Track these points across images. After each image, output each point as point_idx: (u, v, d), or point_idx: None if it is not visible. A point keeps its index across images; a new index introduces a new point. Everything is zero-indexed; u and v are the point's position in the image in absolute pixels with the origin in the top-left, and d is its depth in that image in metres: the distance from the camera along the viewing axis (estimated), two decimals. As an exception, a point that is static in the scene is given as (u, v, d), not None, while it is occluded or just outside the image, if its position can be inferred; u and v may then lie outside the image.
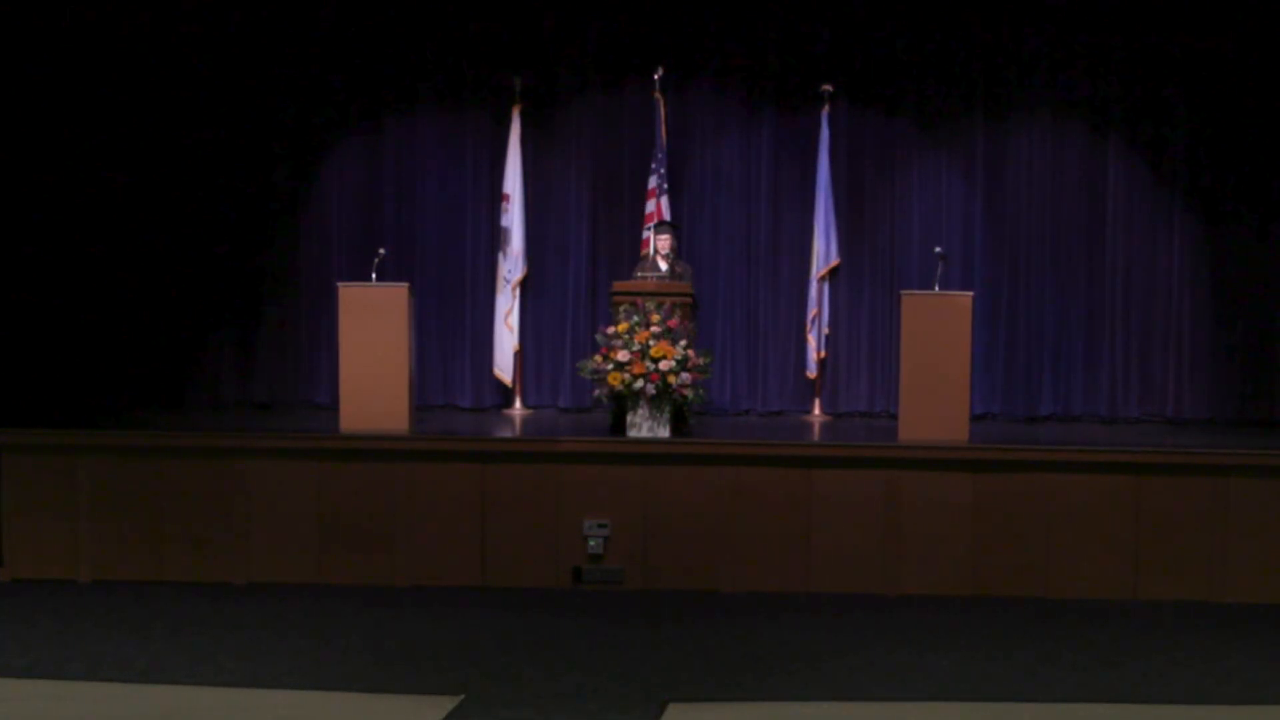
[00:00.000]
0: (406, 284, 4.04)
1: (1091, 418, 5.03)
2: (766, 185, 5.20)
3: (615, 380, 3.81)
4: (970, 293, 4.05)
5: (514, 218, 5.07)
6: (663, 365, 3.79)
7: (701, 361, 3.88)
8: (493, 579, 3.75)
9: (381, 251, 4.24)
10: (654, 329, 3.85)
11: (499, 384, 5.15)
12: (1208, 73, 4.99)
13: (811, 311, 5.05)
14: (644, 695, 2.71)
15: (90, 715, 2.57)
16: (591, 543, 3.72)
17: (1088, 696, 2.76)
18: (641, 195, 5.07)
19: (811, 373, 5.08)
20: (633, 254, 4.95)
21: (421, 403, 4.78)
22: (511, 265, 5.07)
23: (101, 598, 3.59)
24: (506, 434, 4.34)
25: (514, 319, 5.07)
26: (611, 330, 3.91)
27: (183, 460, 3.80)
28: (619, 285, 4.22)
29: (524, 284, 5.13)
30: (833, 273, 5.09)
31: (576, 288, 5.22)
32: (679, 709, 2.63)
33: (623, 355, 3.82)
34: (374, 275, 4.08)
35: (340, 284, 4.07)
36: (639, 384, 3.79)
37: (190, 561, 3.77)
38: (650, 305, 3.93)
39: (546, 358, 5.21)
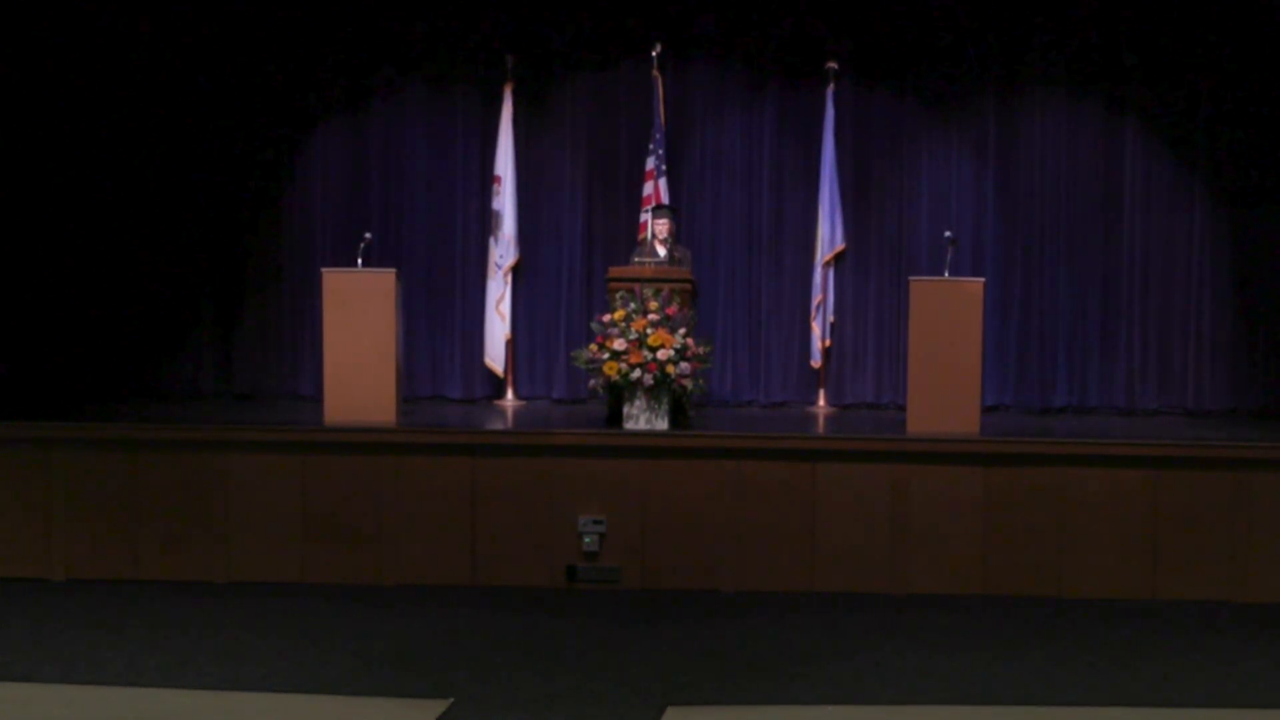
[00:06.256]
0: (394, 270, 3.93)
1: (1108, 409, 4.91)
2: (769, 167, 5.06)
3: (611, 370, 3.70)
4: (981, 279, 3.93)
5: (506, 201, 4.93)
6: (661, 354, 3.68)
7: (701, 350, 3.77)
8: (483, 577, 3.66)
9: (367, 236, 4.12)
10: (652, 316, 3.74)
11: (490, 374, 5.03)
12: (1230, 50, 4.83)
13: (816, 299, 4.92)
14: (642, 699, 2.65)
15: (64, 719, 2.46)
16: (586, 540, 3.63)
17: (1103, 700, 2.69)
18: (639, 177, 4.92)
19: (816, 362, 4.95)
20: (630, 238, 4.81)
21: (409, 394, 4.70)
22: (503, 250, 4.93)
23: (76, 597, 3.50)
24: (498, 426, 4.24)
25: (506, 306, 4.94)
26: (607, 318, 3.80)
27: (161, 454, 3.69)
28: (615, 271, 4.10)
29: (516, 270, 4.99)
30: (838, 258, 4.96)
31: (571, 274, 5.08)
32: (678, 713, 2.57)
33: (619, 344, 3.71)
34: (360, 261, 3.96)
35: (324, 270, 3.96)
36: (636, 374, 3.69)
37: (168, 559, 3.67)
38: (648, 292, 3.82)
39: (540, 347, 5.08)
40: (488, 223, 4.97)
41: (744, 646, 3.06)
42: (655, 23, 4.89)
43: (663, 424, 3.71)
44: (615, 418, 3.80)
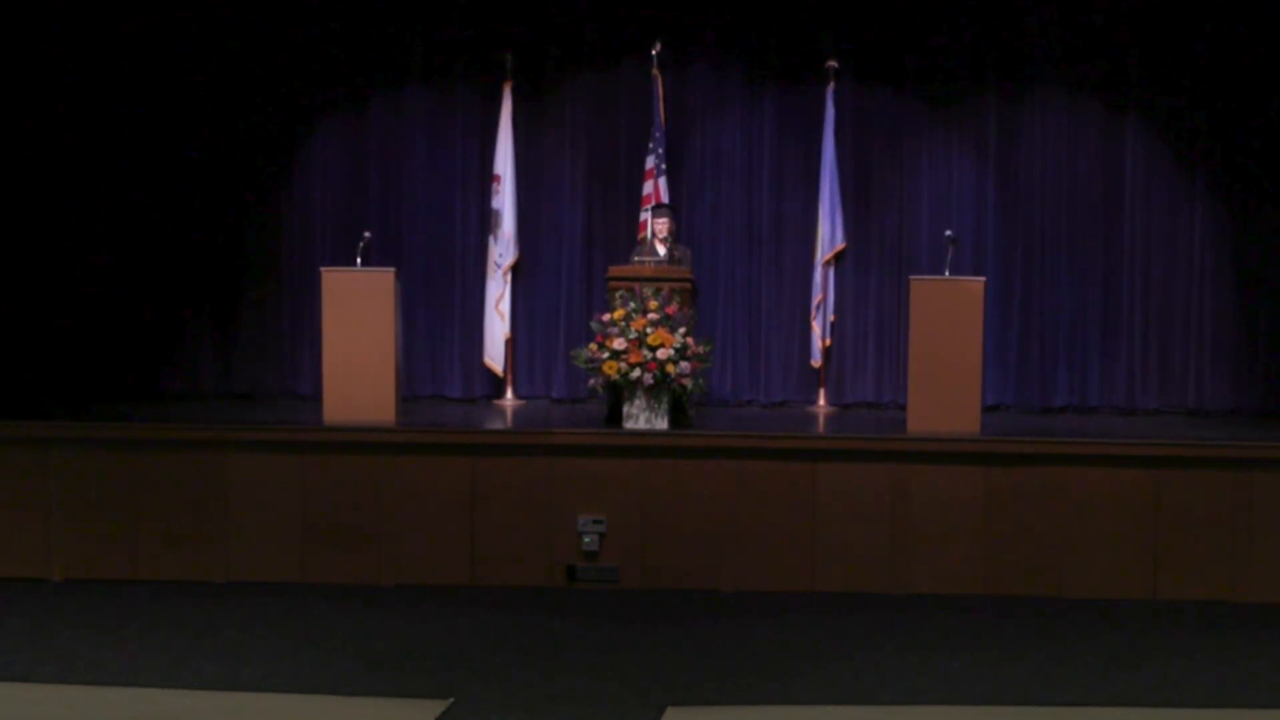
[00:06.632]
0: (393, 269, 3.92)
1: (1109, 409, 4.89)
2: (769, 166, 5.05)
3: (611, 369, 3.69)
4: (982, 278, 3.92)
5: (505, 200, 4.91)
6: (660, 354, 3.67)
7: (701, 350, 3.76)
8: (483, 577, 3.64)
9: (366, 235, 4.11)
10: (651, 316, 3.73)
11: (489, 374, 5.01)
12: (1230, 48, 4.81)
13: (816, 298, 4.91)
14: (641, 699, 2.63)
15: (63, 719, 2.45)
16: (586, 540, 3.61)
17: (1104, 700, 2.68)
18: (639, 176, 4.91)
19: (816, 362, 4.94)
20: (629, 237, 4.80)
21: (408, 393, 4.69)
22: (503, 249, 4.92)
23: (74, 597, 3.49)
24: (497, 426, 4.23)
25: (505, 305, 4.93)
26: (607, 317, 3.78)
27: (160, 454, 3.68)
28: (615, 270, 4.08)
29: (516, 269, 4.97)
30: (838, 257, 4.95)
31: (571, 273, 5.06)
32: (678, 713, 2.56)
33: (619, 343, 3.70)
34: (359, 260, 3.95)
35: (324, 269, 3.95)
36: (636, 373, 3.67)
37: (167, 559, 3.66)
38: (648, 291, 3.81)
39: (539, 346, 5.07)
40: (487, 222, 4.95)
41: (744, 646, 3.04)
42: (656, 21, 4.87)
43: (663, 424, 3.70)
44: (615, 417, 3.79)
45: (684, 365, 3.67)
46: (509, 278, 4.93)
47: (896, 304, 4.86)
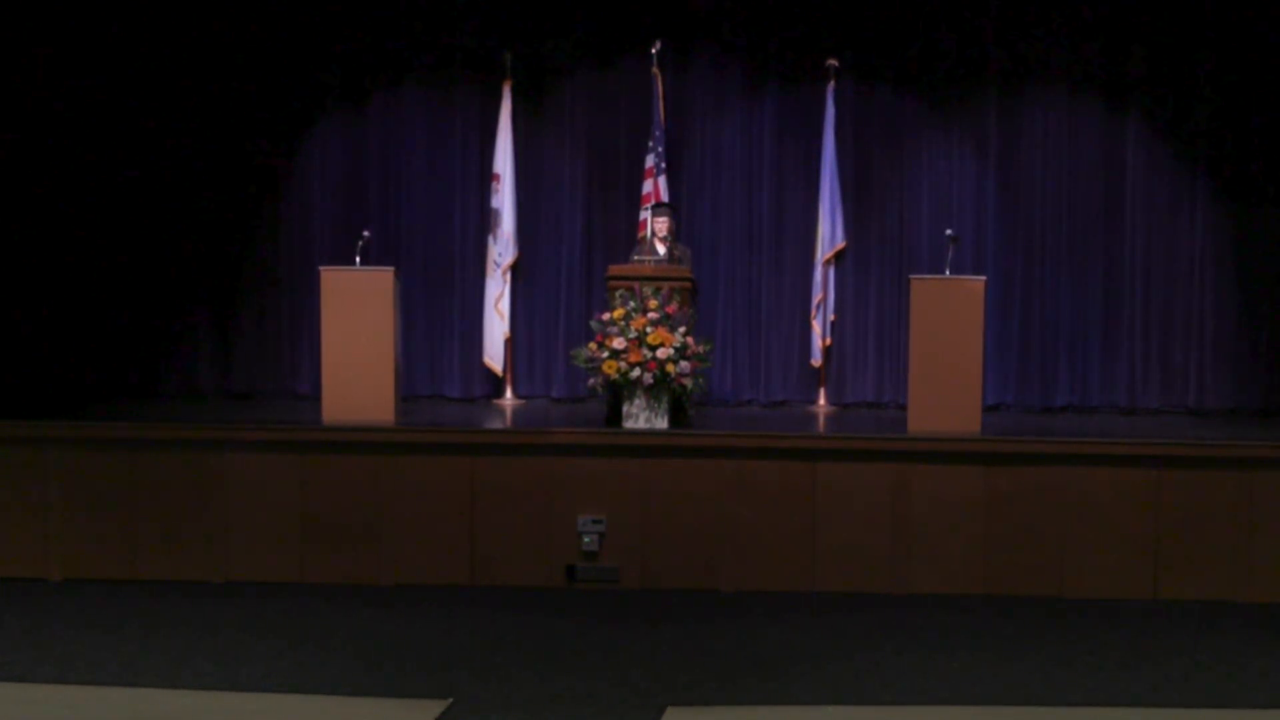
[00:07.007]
0: (392, 268, 3.92)
1: (1110, 408, 4.88)
2: (769, 165, 5.04)
3: (611, 369, 3.69)
4: (983, 277, 3.92)
5: (505, 199, 4.91)
6: (660, 353, 3.66)
7: (701, 349, 3.76)
8: (482, 577, 3.65)
9: (365, 234, 4.11)
10: (651, 315, 3.73)
11: (489, 373, 5.00)
12: (1232, 47, 4.81)
13: (816, 297, 4.90)
14: (641, 699, 2.64)
15: (60, 720, 2.45)
16: (586, 540, 3.62)
17: (1105, 700, 2.69)
18: (638, 175, 4.90)
19: (816, 361, 4.93)
20: (629, 237, 4.79)
21: (408, 393, 4.67)
22: (502, 248, 4.91)
23: (73, 597, 3.50)
24: (497, 425, 4.24)
25: (505, 305, 4.93)
26: (607, 316, 3.78)
27: (158, 453, 3.68)
28: (615, 269, 4.07)
29: (515, 268, 4.97)
30: (838, 256, 4.94)
31: (570, 272, 5.06)
32: (678, 713, 2.56)
33: (618, 343, 3.70)
34: (358, 259, 3.95)
35: (322, 268, 3.95)
36: (635, 373, 3.67)
37: (166, 559, 3.66)
38: (647, 290, 3.81)
39: (539, 345, 5.07)
40: (486, 221, 4.94)
41: (744, 646, 3.05)
42: (655, 20, 4.87)
43: (662, 423, 3.70)
44: (615, 417, 3.79)
45: (684, 365, 3.67)
46: (508, 277, 4.92)
47: (896, 303, 4.86)
